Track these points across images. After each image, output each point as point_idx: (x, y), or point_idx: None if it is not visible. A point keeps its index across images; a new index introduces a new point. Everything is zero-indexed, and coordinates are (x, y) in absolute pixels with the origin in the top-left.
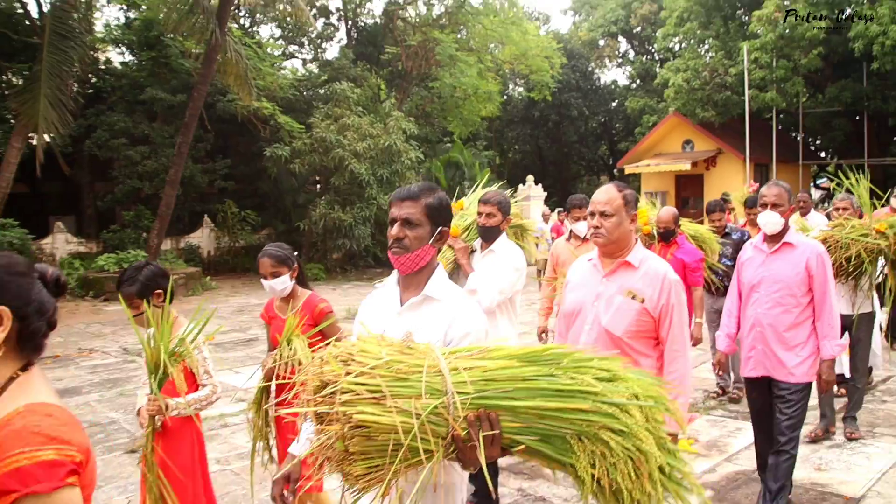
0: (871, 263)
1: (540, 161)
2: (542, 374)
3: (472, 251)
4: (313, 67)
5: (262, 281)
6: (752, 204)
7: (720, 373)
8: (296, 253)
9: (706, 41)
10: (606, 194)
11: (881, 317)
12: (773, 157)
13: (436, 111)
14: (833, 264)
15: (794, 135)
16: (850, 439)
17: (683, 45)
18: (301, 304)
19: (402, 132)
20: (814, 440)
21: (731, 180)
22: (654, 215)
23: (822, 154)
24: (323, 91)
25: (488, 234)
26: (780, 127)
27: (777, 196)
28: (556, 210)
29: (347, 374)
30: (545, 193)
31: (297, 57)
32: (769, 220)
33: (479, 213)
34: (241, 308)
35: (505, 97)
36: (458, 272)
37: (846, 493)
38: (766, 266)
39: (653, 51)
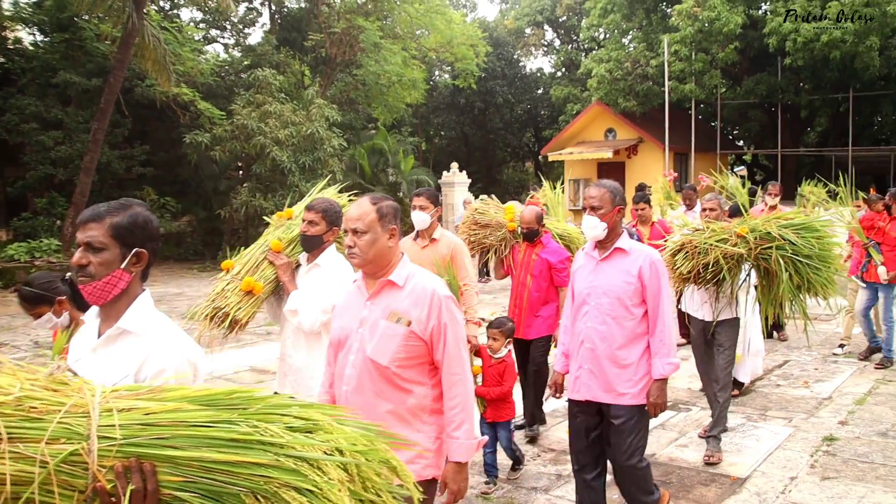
0: (731, 270)
1: (466, 147)
2: (219, 421)
3: (298, 265)
4: (235, 53)
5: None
6: (638, 199)
7: (557, 395)
8: (67, 276)
9: (629, 33)
10: (358, 209)
11: (755, 321)
12: (692, 147)
13: (360, 98)
14: (691, 271)
15: (712, 125)
16: (707, 463)
17: (607, 35)
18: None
19: (325, 119)
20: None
21: (651, 168)
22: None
23: (740, 143)
24: (245, 77)
25: (309, 245)
26: (699, 117)
27: (598, 199)
28: (480, 197)
29: None
30: (469, 180)
31: (218, 42)
32: (588, 225)
33: (303, 220)
34: (160, 298)
35: (430, 84)
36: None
37: (734, 473)
38: (595, 275)
39: (578, 40)
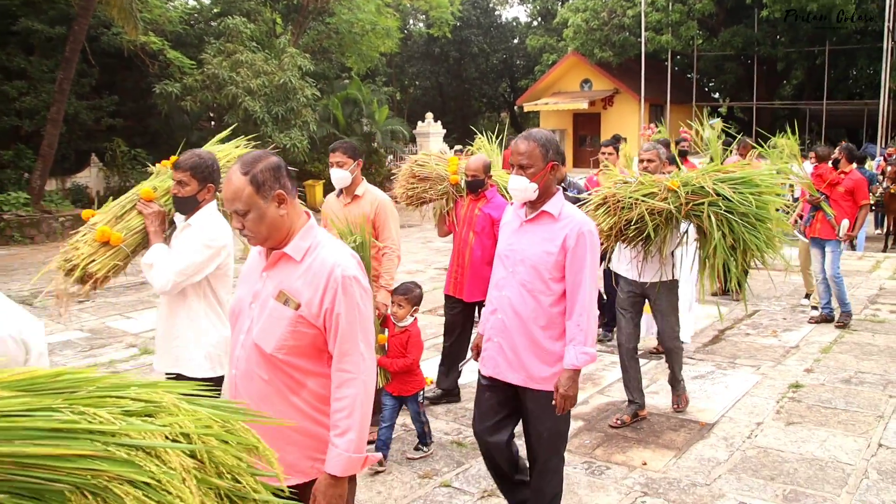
0: (659, 227)
1: (441, 97)
2: (37, 409)
3: (172, 224)
4: (205, 0)
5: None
6: (608, 143)
7: (477, 359)
8: None
9: None
10: (230, 187)
11: (692, 278)
12: (668, 98)
13: (333, 47)
14: (613, 227)
15: (688, 76)
16: (676, 411)
17: None
18: None
19: (298, 69)
20: (616, 426)
21: (627, 119)
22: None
23: (716, 95)
24: (215, 25)
25: (182, 207)
26: (675, 69)
27: (527, 155)
28: (455, 148)
29: None
30: (444, 131)
31: None
32: (515, 187)
33: (173, 181)
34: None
35: (405, 33)
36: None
37: (703, 419)
38: (518, 237)
39: None
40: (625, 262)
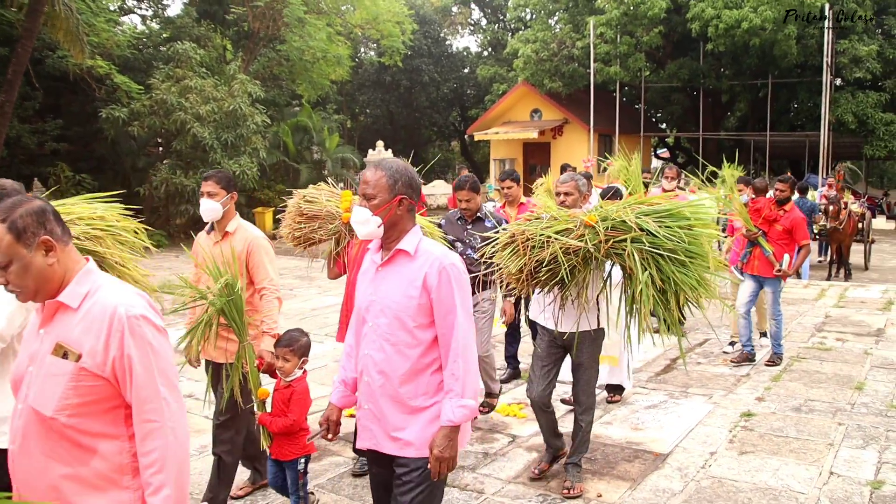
0: (576, 269)
1: (391, 126)
2: None
3: None
4: (154, 25)
5: None
6: (504, 176)
7: (329, 437)
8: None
9: (555, 14)
10: None
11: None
12: (616, 128)
13: (284, 74)
14: (522, 270)
15: (636, 107)
16: (567, 497)
17: (533, 16)
18: None
19: (248, 95)
20: (536, 478)
21: (576, 149)
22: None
23: (663, 126)
24: (164, 50)
25: None
26: (623, 99)
27: (372, 184)
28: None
29: None
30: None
31: (135, 13)
32: (357, 220)
33: None
34: None
35: (356, 61)
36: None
37: (656, 449)
38: (375, 285)
39: (504, 20)
40: (542, 309)
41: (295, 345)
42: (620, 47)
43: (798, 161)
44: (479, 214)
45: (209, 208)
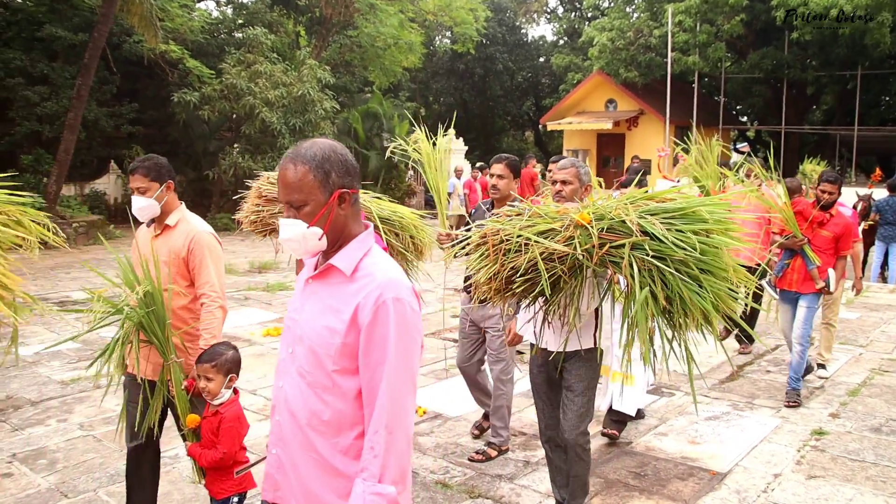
0: (562, 280)
1: (465, 114)
2: None
3: None
4: (228, 10)
5: None
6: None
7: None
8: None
9: (633, 2)
10: None
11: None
12: (694, 120)
13: (356, 60)
14: (494, 278)
15: (715, 99)
16: None
17: (611, 3)
18: None
19: (318, 81)
20: None
21: (651, 141)
22: None
23: (743, 119)
24: (239, 36)
25: None
26: (702, 90)
27: (297, 185)
28: (476, 165)
29: None
30: (465, 147)
31: None
32: (288, 237)
33: None
34: None
35: (429, 49)
36: None
37: (714, 467)
38: (302, 300)
39: (581, 8)
40: (528, 320)
41: (218, 360)
42: (700, 36)
43: (888, 157)
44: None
45: (142, 207)
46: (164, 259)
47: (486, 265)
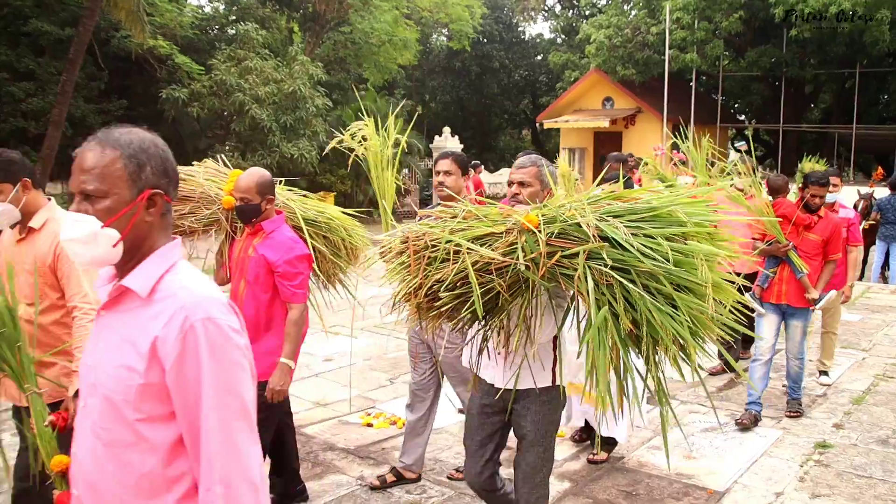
0: (501, 297)
1: (461, 113)
2: None
3: None
4: (219, 6)
5: None
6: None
7: None
8: None
9: None
10: None
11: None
12: (692, 119)
13: (350, 57)
14: (416, 293)
15: (713, 97)
16: None
17: (608, 1)
18: None
19: (310, 78)
20: None
21: (649, 139)
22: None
23: (741, 117)
24: (232, 32)
25: None
26: (700, 88)
27: (97, 176)
28: (472, 163)
29: None
30: (461, 146)
31: None
32: (70, 236)
33: None
34: None
35: (425, 47)
36: None
37: (711, 485)
38: (95, 339)
39: (579, 6)
40: (471, 351)
41: None
42: (698, 33)
43: (887, 156)
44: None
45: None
46: (27, 268)
47: (406, 277)
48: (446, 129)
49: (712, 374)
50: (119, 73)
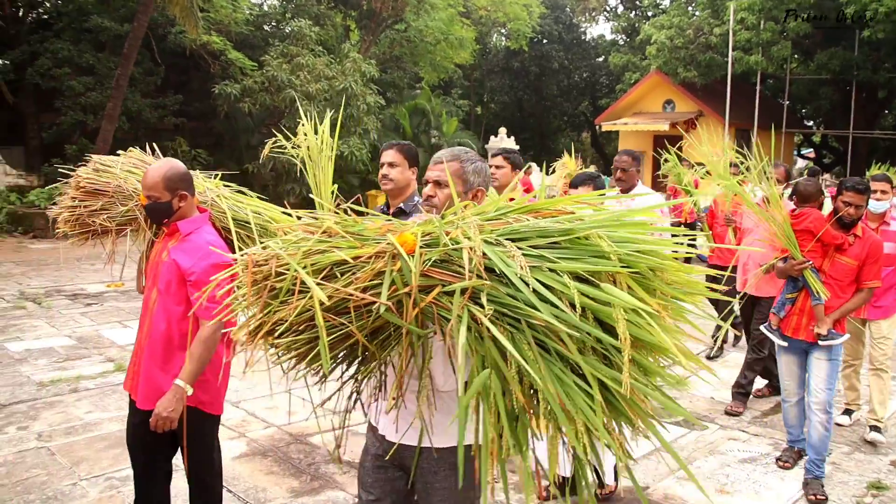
0: (376, 336)
1: (520, 113)
2: None
3: None
4: (275, 2)
5: None
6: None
7: None
8: None
9: None
10: None
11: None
12: (755, 123)
13: (406, 55)
14: (255, 331)
15: (778, 101)
16: None
17: (671, 1)
18: None
19: (362, 75)
20: None
21: (710, 144)
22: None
23: (809, 123)
24: (287, 29)
25: None
26: (765, 92)
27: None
28: (526, 165)
29: None
30: (518, 147)
31: None
32: None
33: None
34: None
35: (482, 46)
36: None
37: None
38: None
39: (641, 6)
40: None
41: None
42: (763, 34)
43: None
44: (403, 204)
45: None
46: None
47: (248, 310)
48: (502, 130)
49: (757, 396)
50: (175, 68)
